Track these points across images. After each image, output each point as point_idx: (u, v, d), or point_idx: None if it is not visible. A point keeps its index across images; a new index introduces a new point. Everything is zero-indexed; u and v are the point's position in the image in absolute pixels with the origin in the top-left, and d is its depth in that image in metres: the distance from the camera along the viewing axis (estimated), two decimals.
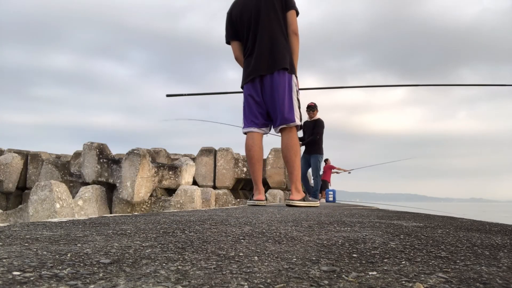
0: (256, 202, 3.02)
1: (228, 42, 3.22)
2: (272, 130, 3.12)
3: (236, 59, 3.22)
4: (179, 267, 0.61)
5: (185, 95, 4.47)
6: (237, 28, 3.10)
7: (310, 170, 7.25)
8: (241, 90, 3.18)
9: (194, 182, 8.54)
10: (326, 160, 14.75)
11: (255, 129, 3.02)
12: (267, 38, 2.93)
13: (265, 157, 8.77)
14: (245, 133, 3.09)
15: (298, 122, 2.93)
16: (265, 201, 3.10)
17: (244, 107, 3.09)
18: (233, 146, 9.32)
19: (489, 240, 1.00)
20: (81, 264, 0.61)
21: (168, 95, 4.44)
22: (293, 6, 2.99)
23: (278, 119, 2.93)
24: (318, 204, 3.12)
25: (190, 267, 0.61)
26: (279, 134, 3.08)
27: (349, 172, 14.18)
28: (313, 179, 7.20)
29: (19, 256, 0.64)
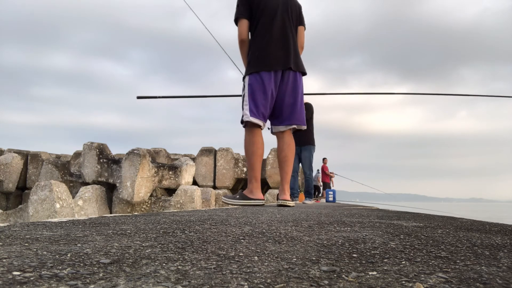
0: (255, 202, 2.92)
1: (238, 19, 2.96)
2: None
3: (243, 41, 2.97)
4: (179, 267, 0.61)
5: (156, 97, 4.19)
6: (254, 9, 2.94)
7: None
8: (214, 95, 3.10)
9: (194, 182, 8.54)
10: (324, 159, 14.82)
11: (262, 123, 2.89)
12: (292, 37, 2.96)
13: (265, 157, 8.77)
14: (248, 122, 2.85)
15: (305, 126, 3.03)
16: (264, 201, 3.08)
17: (254, 94, 2.83)
18: (233, 146, 9.32)
19: (489, 240, 1.00)
20: (81, 264, 0.61)
21: (138, 97, 4.15)
22: (304, 23, 3.13)
23: (292, 118, 2.91)
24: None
25: (190, 267, 0.61)
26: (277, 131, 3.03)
27: (333, 176, 14.81)
28: (306, 176, 6.29)
29: (19, 256, 0.64)
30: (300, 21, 3.09)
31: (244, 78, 2.97)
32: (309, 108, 6.06)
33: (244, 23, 2.94)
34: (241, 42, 2.97)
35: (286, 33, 2.93)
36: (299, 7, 3.11)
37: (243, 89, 2.94)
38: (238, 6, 2.98)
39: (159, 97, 4.22)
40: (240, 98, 3.01)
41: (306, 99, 6.23)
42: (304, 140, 5.93)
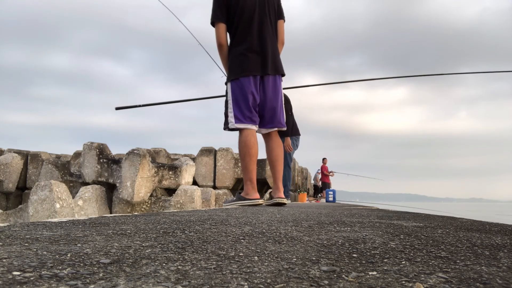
0: (252, 202, 2.93)
1: (215, 23, 2.93)
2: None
3: (221, 45, 2.96)
4: (179, 267, 0.61)
5: (135, 106, 4.11)
6: (231, 12, 2.92)
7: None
8: (198, 96, 3.14)
9: (194, 182, 8.54)
10: (323, 160, 14.85)
11: (253, 127, 2.95)
12: (269, 39, 2.97)
13: (264, 157, 8.76)
14: (237, 129, 2.93)
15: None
16: (262, 200, 3.09)
17: (237, 101, 2.89)
18: (233, 146, 9.31)
19: (489, 240, 1.00)
20: (81, 264, 0.61)
21: (117, 108, 4.08)
22: (284, 16, 3.13)
23: (274, 121, 3.01)
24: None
25: (190, 267, 0.61)
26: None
27: (332, 175, 14.98)
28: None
29: (19, 256, 0.64)
30: (279, 14, 3.09)
31: (226, 83, 3.02)
32: (287, 101, 5.92)
33: (221, 27, 2.94)
34: (220, 46, 2.98)
35: (264, 37, 2.94)
36: (277, 1, 3.10)
37: (226, 95, 3.01)
38: (214, 8, 2.94)
39: (139, 105, 4.16)
40: (224, 103, 3.07)
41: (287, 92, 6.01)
42: (283, 132, 5.70)
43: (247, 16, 2.92)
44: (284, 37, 3.12)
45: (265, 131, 3.06)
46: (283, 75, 3.06)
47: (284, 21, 3.13)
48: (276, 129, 3.06)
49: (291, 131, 5.99)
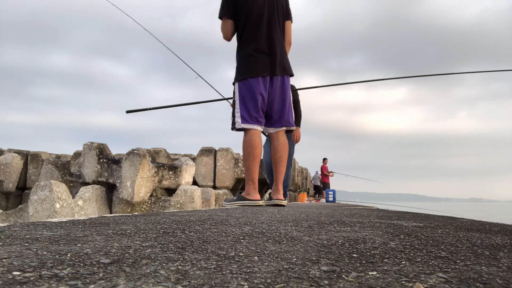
0: (253, 202, 2.94)
1: (222, 18, 2.99)
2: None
3: (227, 38, 3.02)
4: (179, 267, 0.61)
5: (146, 109, 4.12)
6: (239, 11, 2.94)
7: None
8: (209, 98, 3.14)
9: (194, 182, 8.54)
10: (324, 160, 14.88)
11: (258, 127, 2.96)
12: (278, 40, 2.98)
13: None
14: (243, 129, 2.94)
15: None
16: (263, 201, 3.09)
17: (245, 101, 2.90)
18: (233, 146, 9.30)
19: (489, 240, 1.00)
20: (81, 264, 0.61)
21: (128, 111, 4.10)
22: (291, 17, 3.15)
23: (282, 121, 3.02)
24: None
25: (190, 267, 0.61)
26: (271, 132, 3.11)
27: (332, 175, 15.08)
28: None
29: (19, 256, 0.64)
30: (287, 15, 3.11)
31: (234, 84, 3.02)
32: (295, 93, 5.43)
33: (228, 23, 2.98)
34: (225, 39, 3.04)
35: (273, 38, 2.95)
36: (286, 2, 3.12)
37: (234, 96, 3.02)
38: (222, 4, 2.99)
39: (149, 109, 4.20)
40: (232, 104, 3.09)
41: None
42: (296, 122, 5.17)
43: (255, 16, 2.94)
44: (291, 38, 3.15)
45: (273, 130, 3.06)
46: (291, 75, 3.07)
47: (292, 22, 3.15)
48: (284, 128, 3.05)
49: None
